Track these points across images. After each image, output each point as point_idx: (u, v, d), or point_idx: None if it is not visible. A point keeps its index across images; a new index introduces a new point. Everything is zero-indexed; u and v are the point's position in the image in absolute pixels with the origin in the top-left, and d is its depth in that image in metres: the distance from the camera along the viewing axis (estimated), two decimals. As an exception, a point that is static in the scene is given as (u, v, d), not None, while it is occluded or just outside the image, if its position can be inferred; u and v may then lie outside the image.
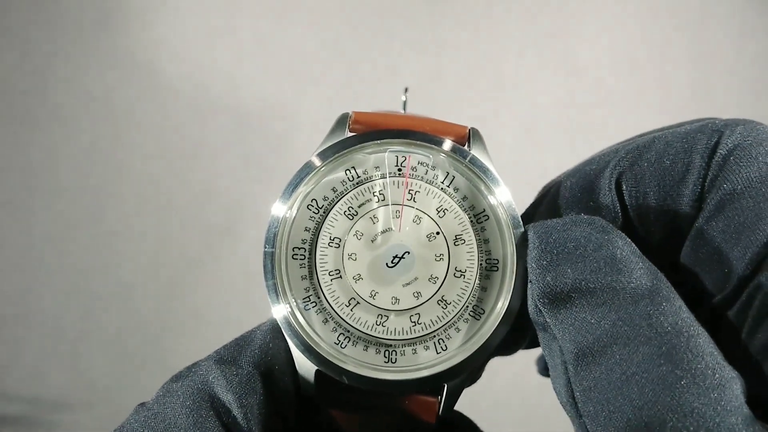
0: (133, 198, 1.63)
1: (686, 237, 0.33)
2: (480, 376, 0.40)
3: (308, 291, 0.37)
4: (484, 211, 0.37)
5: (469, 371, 0.36)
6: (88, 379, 1.59)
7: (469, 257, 0.37)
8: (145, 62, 1.65)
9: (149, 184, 1.63)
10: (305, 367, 0.35)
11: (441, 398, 0.36)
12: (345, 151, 0.37)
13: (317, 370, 0.35)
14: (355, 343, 0.36)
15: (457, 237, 0.37)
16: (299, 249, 0.37)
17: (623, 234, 0.32)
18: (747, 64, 1.70)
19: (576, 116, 1.66)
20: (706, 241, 0.32)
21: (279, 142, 1.59)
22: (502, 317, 0.35)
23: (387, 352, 0.36)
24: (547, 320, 0.31)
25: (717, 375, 0.26)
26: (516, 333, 0.36)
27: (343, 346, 0.36)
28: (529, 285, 0.33)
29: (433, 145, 0.37)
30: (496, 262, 0.37)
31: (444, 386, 0.35)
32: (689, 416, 0.25)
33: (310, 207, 0.37)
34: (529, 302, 0.33)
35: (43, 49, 1.63)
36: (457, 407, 0.42)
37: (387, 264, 0.36)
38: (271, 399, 0.34)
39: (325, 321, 0.37)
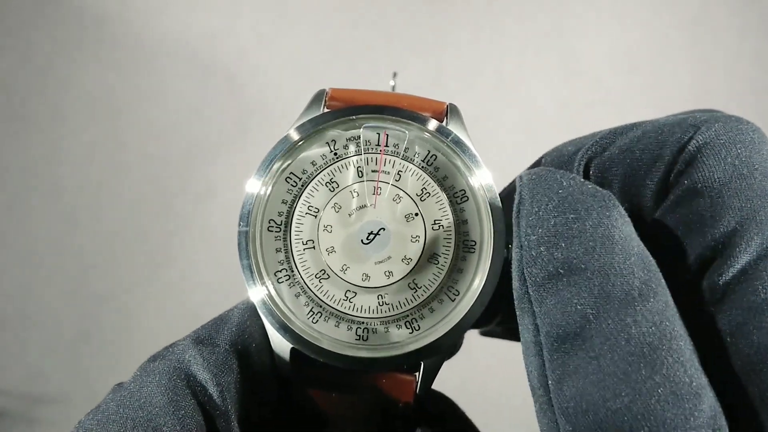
0: (133, 198, 1.63)
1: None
2: (457, 350, 0.39)
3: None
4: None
5: (445, 349, 0.35)
6: (88, 379, 1.60)
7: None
8: (145, 62, 1.65)
9: (149, 184, 1.64)
10: (280, 345, 0.35)
11: (418, 376, 0.35)
12: (320, 126, 0.37)
13: (292, 349, 0.35)
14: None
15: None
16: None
17: (624, 212, 0.30)
18: (747, 64, 1.69)
19: (576, 116, 1.65)
20: (660, 236, 0.30)
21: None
22: (478, 296, 0.35)
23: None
24: (530, 293, 0.30)
25: (694, 383, 0.25)
26: (491, 308, 0.35)
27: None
28: (516, 250, 0.30)
29: (410, 121, 0.37)
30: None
31: (421, 364, 0.35)
32: (662, 426, 0.24)
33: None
34: (514, 269, 0.31)
35: (43, 49, 1.64)
36: (455, 400, 0.42)
37: (362, 240, 0.36)
38: (248, 377, 0.34)
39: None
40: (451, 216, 0.36)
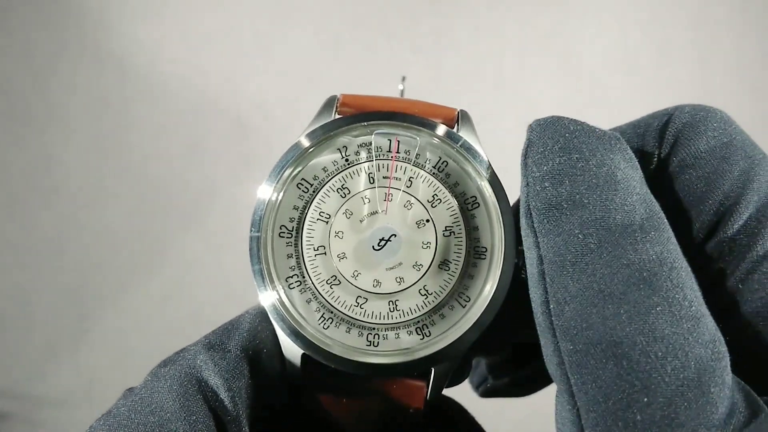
0: (133, 198, 1.63)
1: None
2: (467, 374, 0.39)
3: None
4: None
5: (456, 356, 0.35)
6: (88, 380, 1.59)
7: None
8: (145, 62, 1.65)
9: (149, 184, 1.63)
10: (291, 351, 0.35)
11: (429, 382, 0.35)
12: (331, 133, 0.37)
13: (303, 354, 0.35)
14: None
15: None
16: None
17: (631, 156, 0.32)
18: (747, 64, 1.69)
19: (576, 116, 1.65)
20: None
21: (279, 142, 1.59)
22: (489, 302, 0.35)
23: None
24: (535, 225, 0.31)
25: (693, 308, 0.27)
26: (501, 324, 0.35)
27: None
28: (522, 188, 0.32)
29: (421, 128, 0.37)
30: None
31: (432, 370, 0.35)
32: (659, 341, 0.26)
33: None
34: (522, 205, 0.32)
35: (43, 49, 1.64)
36: (465, 405, 0.42)
37: (373, 247, 0.36)
38: (259, 383, 0.34)
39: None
40: (462, 222, 0.36)
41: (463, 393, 0.43)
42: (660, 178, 0.33)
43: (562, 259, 0.29)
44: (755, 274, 0.30)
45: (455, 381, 0.40)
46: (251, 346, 0.35)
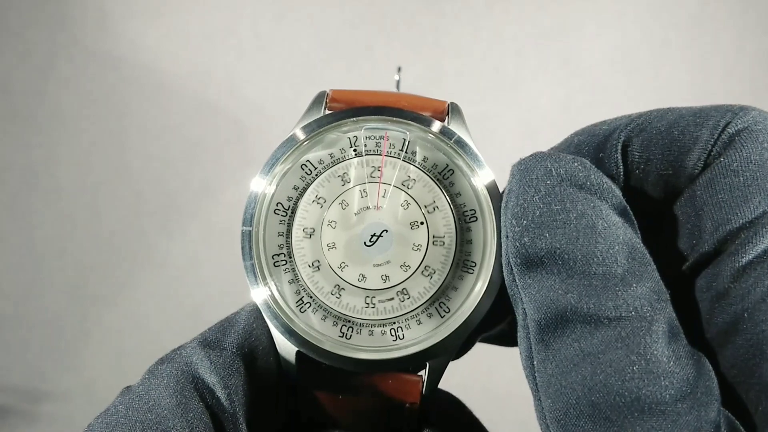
0: (133, 198, 1.63)
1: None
2: (466, 351, 0.39)
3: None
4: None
5: (450, 352, 0.35)
6: (88, 377, 1.60)
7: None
8: (145, 62, 1.65)
9: (149, 184, 1.64)
10: (286, 348, 0.35)
11: (424, 377, 0.35)
12: (321, 129, 0.37)
13: (298, 351, 0.35)
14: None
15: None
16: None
17: (617, 200, 0.31)
18: (747, 64, 1.69)
19: (576, 116, 1.65)
20: (692, 206, 0.32)
21: (278, 141, 1.59)
22: (469, 316, 0.35)
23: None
24: (517, 281, 0.31)
25: (672, 363, 0.26)
26: (494, 313, 0.35)
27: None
28: (502, 240, 0.32)
29: (411, 122, 0.36)
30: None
31: (426, 364, 0.35)
32: (636, 402, 0.26)
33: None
34: (503, 258, 0.32)
35: (43, 49, 1.64)
36: (462, 398, 0.41)
37: (365, 243, 0.36)
38: (255, 380, 0.34)
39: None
40: (455, 235, 0.36)
41: (462, 391, 0.43)
42: (701, 176, 0.32)
43: (543, 316, 0.29)
44: (763, 304, 0.29)
45: (457, 356, 0.40)
46: (247, 343, 0.35)
